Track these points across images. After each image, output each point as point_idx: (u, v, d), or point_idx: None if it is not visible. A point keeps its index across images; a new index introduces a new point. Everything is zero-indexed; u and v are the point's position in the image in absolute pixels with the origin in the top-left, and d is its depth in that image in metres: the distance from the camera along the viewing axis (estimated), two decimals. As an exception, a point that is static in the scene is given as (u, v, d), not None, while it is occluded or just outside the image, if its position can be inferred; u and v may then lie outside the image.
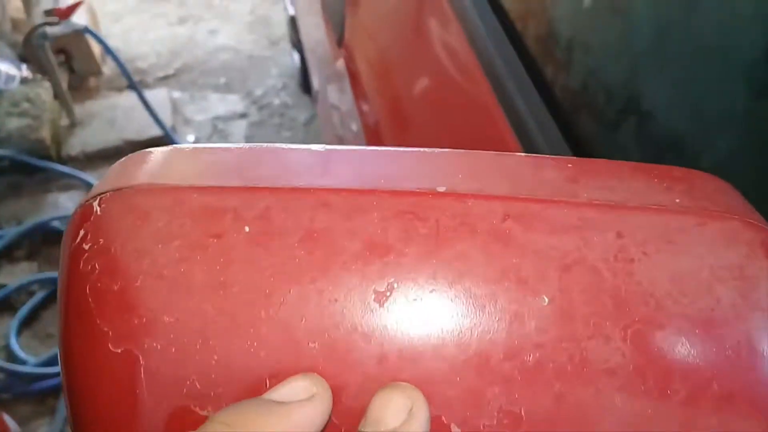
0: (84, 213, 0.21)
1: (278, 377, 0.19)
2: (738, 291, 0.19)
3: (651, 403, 0.19)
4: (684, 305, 0.19)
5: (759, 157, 0.47)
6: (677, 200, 0.21)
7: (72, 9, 2.20)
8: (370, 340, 0.19)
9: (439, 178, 0.21)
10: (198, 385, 0.19)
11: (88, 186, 2.17)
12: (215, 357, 0.19)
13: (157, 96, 2.46)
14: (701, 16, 0.63)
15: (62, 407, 1.58)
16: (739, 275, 0.19)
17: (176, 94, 2.58)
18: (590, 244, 0.19)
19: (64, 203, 2.16)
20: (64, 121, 2.38)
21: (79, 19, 2.35)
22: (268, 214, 0.20)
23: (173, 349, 0.20)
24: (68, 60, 2.51)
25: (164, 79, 2.69)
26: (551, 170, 0.22)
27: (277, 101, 2.53)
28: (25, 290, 1.89)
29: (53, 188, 2.20)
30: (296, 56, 2.50)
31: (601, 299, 0.19)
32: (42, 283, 1.91)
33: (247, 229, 0.20)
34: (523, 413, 0.19)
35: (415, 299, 0.19)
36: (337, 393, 0.19)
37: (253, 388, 0.19)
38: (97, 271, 0.20)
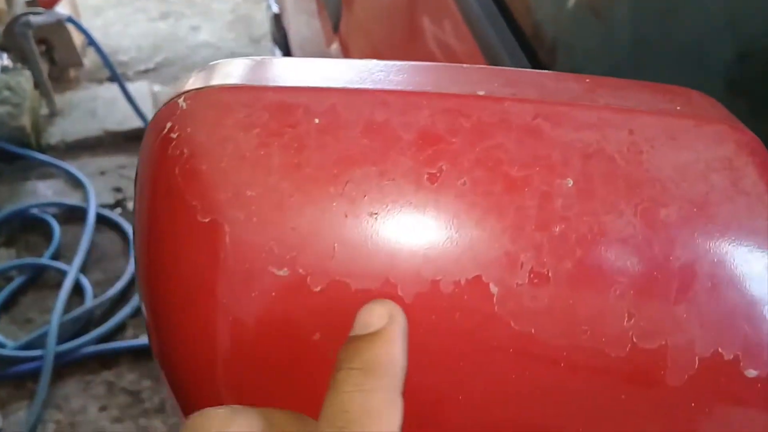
0: (170, 108, 0.25)
1: (345, 245, 0.23)
2: (728, 179, 0.23)
3: (655, 267, 0.22)
4: (684, 189, 0.23)
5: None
6: (678, 108, 0.25)
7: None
8: (423, 212, 0.23)
9: (479, 85, 0.25)
10: (276, 250, 0.23)
11: (67, 174, 2.18)
12: (291, 226, 0.23)
13: (138, 89, 2.47)
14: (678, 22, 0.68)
15: (41, 391, 1.58)
16: (728, 166, 0.23)
17: (157, 88, 2.59)
18: (607, 138, 0.23)
19: (43, 191, 2.16)
20: (44, 111, 2.38)
21: (62, 10, 2.36)
22: (334, 109, 0.24)
23: (255, 219, 0.23)
24: (49, 50, 2.50)
25: (145, 73, 2.70)
26: (573, 82, 0.26)
27: (258, 97, 2.56)
28: (3, 276, 1.89)
29: (32, 176, 2.20)
30: (278, 53, 2.53)
31: (615, 182, 0.23)
32: (20, 268, 1.91)
33: (316, 120, 0.24)
34: (550, 274, 0.22)
35: (460, 180, 0.23)
36: None
37: (323, 253, 0.23)
38: (185, 155, 0.24)
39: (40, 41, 2.44)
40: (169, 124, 0.24)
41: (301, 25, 1.61)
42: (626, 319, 0.22)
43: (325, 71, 0.26)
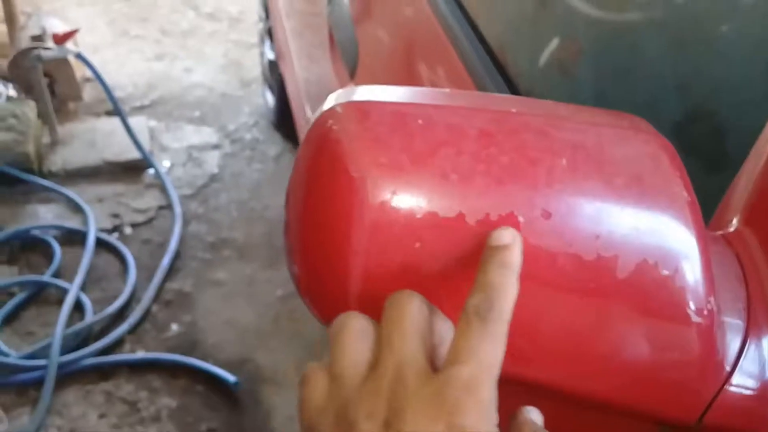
0: (329, 113, 0.41)
1: (440, 193, 0.39)
2: (653, 164, 0.40)
3: (612, 209, 0.40)
4: (630, 167, 0.40)
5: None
6: (625, 123, 0.42)
7: (69, 36, 2.37)
8: (487, 174, 0.40)
9: (512, 106, 0.42)
10: (398, 194, 0.39)
11: (68, 200, 2.31)
12: (409, 181, 0.40)
13: (136, 123, 2.61)
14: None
15: (45, 397, 1.69)
16: (654, 157, 0.41)
17: (153, 123, 2.74)
18: (585, 138, 0.41)
19: (44, 214, 2.29)
20: (46, 139, 2.51)
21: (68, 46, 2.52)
22: (429, 114, 0.41)
23: (386, 176, 0.39)
24: (51, 83, 2.64)
25: (141, 109, 2.85)
26: (565, 107, 0.43)
27: (248, 136, 2.73)
28: (5, 291, 2.00)
29: (33, 200, 2.33)
30: (270, 97, 2.71)
31: (590, 163, 0.40)
32: (22, 285, 2.03)
33: (420, 121, 0.40)
34: (552, 211, 0.39)
35: (505, 157, 0.40)
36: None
37: (429, 197, 0.39)
38: (342, 139, 0.40)
39: (44, 74, 2.59)
40: (330, 121, 0.41)
41: (302, 70, 1.79)
42: (595, 239, 0.40)
43: (417, 94, 0.43)
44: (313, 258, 0.41)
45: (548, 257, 0.40)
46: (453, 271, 0.40)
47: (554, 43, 0.98)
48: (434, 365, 0.36)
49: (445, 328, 0.39)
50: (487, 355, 0.34)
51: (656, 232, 0.40)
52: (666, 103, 0.82)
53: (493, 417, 0.33)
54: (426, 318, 0.37)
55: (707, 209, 0.51)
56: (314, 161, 0.41)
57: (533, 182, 0.40)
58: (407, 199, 0.39)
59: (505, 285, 0.36)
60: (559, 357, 0.42)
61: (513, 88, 0.90)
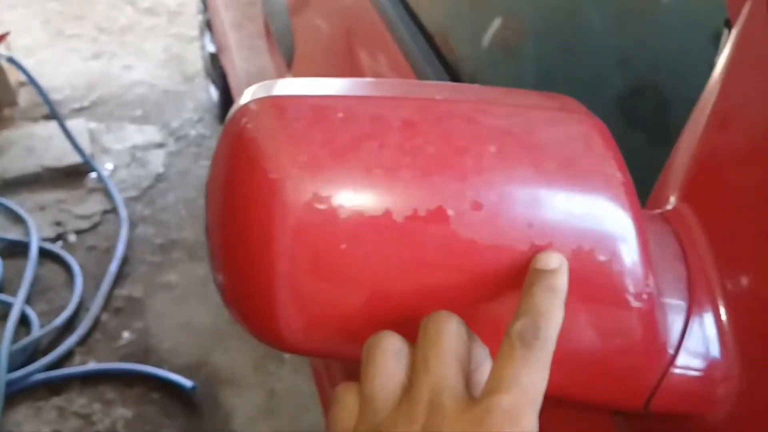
0: (242, 110, 0.39)
1: (361, 187, 0.37)
2: (585, 144, 0.39)
3: (544, 196, 0.38)
4: (559, 150, 0.38)
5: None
6: (554, 105, 0.40)
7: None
8: (408, 166, 0.38)
9: (437, 93, 0.40)
10: (319, 193, 0.37)
11: (7, 210, 2.23)
12: (328, 177, 0.37)
13: (75, 126, 2.54)
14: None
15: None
16: (585, 138, 0.39)
17: (93, 125, 2.67)
18: (513, 122, 0.39)
19: (-17, 226, 2.21)
20: (-19, 149, 2.42)
21: (-1, 50, 2.43)
22: (349, 106, 0.38)
23: (306, 174, 0.37)
24: (-17, 89, 2.56)
25: (80, 111, 2.77)
26: (492, 90, 0.42)
27: (193, 132, 2.67)
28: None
29: (-30, 213, 2.24)
30: (214, 91, 2.65)
31: (518, 148, 0.38)
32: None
33: (339, 115, 0.38)
34: (482, 202, 0.38)
35: (430, 147, 0.38)
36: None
37: (350, 193, 0.37)
38: (257, 138, 0.37)
39: (-25, 80, 2.50)
40: (244, 119, 0.38)
41: (244, 62, 1.75)
42: (528, 227, 0.38)
43: (338, 85, 0.41)
44: (236, 266, 0.39)
45: (481, 250, 0.38)
46: (382, 272, 0.38)
47: (496, 23, 0.97)
48: (470, 392, 0.34)
49: (481, 354, 0.38)
50: (531, 383, 0.33)
51: (590, 216, 0.38)
52: (609, 78, 0.82)
53: None
54: (464, 341, 0.36)
55: (652, 182, 0.50)
56: (230, 163, 0.39)
57: (461, 173, 0.38)
58: (330, 199, 0.37)
59: (552, 310, 0.35)
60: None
61: (453, 74, 0.88)
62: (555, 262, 0.37)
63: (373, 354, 0.36)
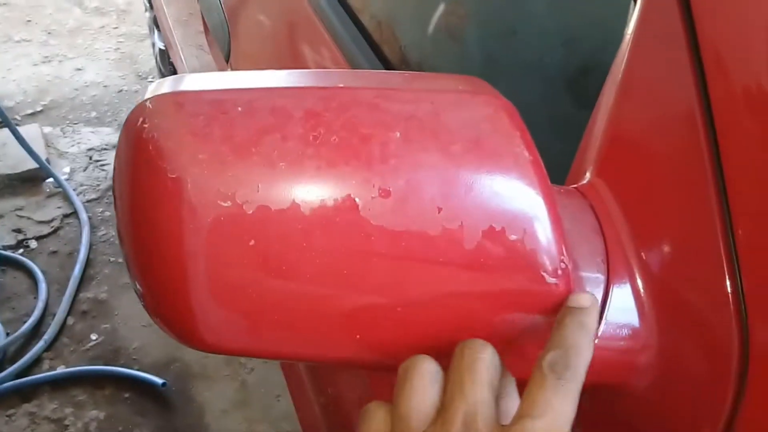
0: (139, 108, 0.38)
1: (266, 183, 0.37)
2: (491, 126, 0.39)
3: (452, 178, 0.38)
4: (465, 132, 0.38)
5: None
6: (460, 87, 0.40)
7: (-60, 47, 2.22)
8: (312, 159, 0.37)
9: (340, 81, 0.40)
10: (221, 190, 0.37)
11: (-35, 221, 2.19)
12: (231, 174, 0.37)
13: (28, 131, 2.49)
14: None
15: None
16: (491, 119, 0.39)
17: (47, 129, 2.62)
18: (419, 107, 0.38)
19: (-59, 239, 2.17)
20: (-66, 160, 2.37)
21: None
22: (250, 101, 0.38)
23: (206, 172, 0.36)
24: (-68, 100, 2.50)
25: (33, 116, 2.72)
26: (399, 76, 0.41)
27: (151, 131, 2.64)
28: None
29: (-73, 225, 2.20)
30: (167, 88, 2.61)
31: (424, 133, 0.38)
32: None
33: (239, 108, 0.38)
34: (390, 189, 0.37)
35: (333, 137, 0.38)
36: None
37: (252, 188, 0.37)
38: (155, 137, 0.37)
39: None
40: (141, 119, 0.38)
41: (191, 58, 1.73)
42: (438, 212, 0.38)
43: (238, 78, 0.40)
44: (151, 271, 0.38)
45: (393, 237, 0.38)
46: (294, 266, 0.38)
47: (440, 9, 0.97)
48: (499, 419, 0.36)
49: (509, 384, 0.39)
50: (562, 411, 0.34)
51: (500, 196, 0.38)
52: (556, 59, 0.82)
53: None
54: (498, 369, 0.37)
55: None
56: (130, 164, 0.38)
57: (367, 161, 0.37)
58: (234, 195, 0.37)
59: (583, 346, 0.37)
60: (424, 336, 0.41)
61: (389, 64, 0.88)
62: (587, 301, 0.39)
63: (409, 375, 0.37)
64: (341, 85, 0.39)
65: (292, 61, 1.01)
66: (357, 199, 0.37)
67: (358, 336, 0.40)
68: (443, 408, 0.36)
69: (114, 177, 0.39)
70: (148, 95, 0.39)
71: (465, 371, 0.36)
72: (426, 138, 0.38)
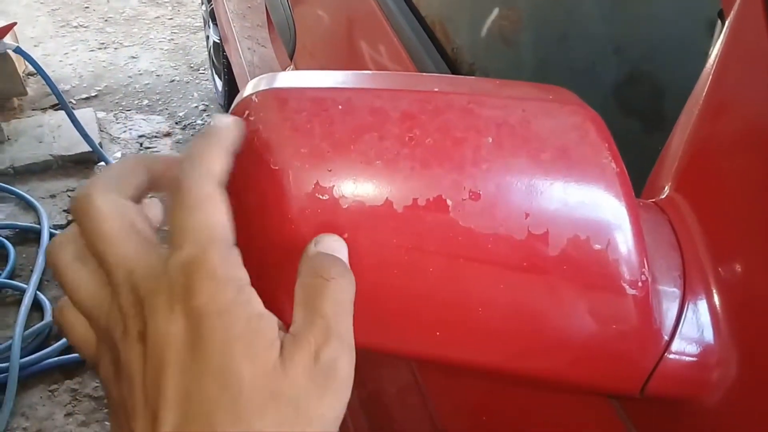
0: (245, 102, 0.40)
1: (361, 179, 0.38)
2: (579, 136, 0.40)
3: (540, 186, 0.39)
4: (554, 140, 0.39)
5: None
6: (550, 96, 0.41)
7: (6, 29, 2.29)
8: (408, 158, 0.39)
9: (434, 86, 0.41)
10: (321, 183, 0.38)
11: (18, 198, 2.25)
12: (328, 168, 0.38)
13: (83, 115, 2.55)
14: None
15: (8, 400, 1.66)
16: (579, 128, 0.40)
17: (101, 114, 2.69)
18: (509, 114, 0.40)
19: (-7, 214, 2.23)
20: (-8, 138, 2.44)
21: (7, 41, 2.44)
22: (350, 99, 0.39)
23: (306, 166, 0.38)
24: (-8, 80, 2.57)
25: (88, 100, 2.79)
26: (489, 82, 0.42)
27: (199, 122, 2.68)
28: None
29: (-18, 202, 2.27)
30: (218, 81, 2.66)
31: (515, 139, 0.39)
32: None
33: (340, 107, 0.39)
34: (481, 192, 0.39)
35: (428, 139, 0.39)
36: None
37: (349, 183, 0.38)
38: (260, 130, 0.39)
39: (-16, 71, 2.51)
40: (246, 112, 0.39)
41: (247, 52, 1.76)
42: (525, 217, 0.39)
43: (338, 77, 0.42)
44: (250, 260, 0.40)
45: (480, 239, 0.39)
46: (384, 261, 0.39)
47: (494, 13, 0.98)
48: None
49: (160, 210, 0.37)
50: (202, 229, 0.32)
51: (586, 205, 0.39)
52: (604, 66, 0.82)
53: (233, 279, 0.32)
54: (125, 211, 0.34)
55: (648, 168, 0.51)
56: (234, 155, 0.40)
57: (459, 163, 0.39)
58: (332, 189, 0.38)
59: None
60: (499, 338, 0.42)
61: (451, 64, 0.89)
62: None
63: (57, 269, 0.34)
64: (436, 89, 0.41)
65: (357, 59, 1.02)
66: (448, 200, 0.39)
67: (438, 333, 0.41)
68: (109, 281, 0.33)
69: None
70: (253, 90, 0.41)
71: (91, 235, 0.33)
72: (517, 144, 0.39)
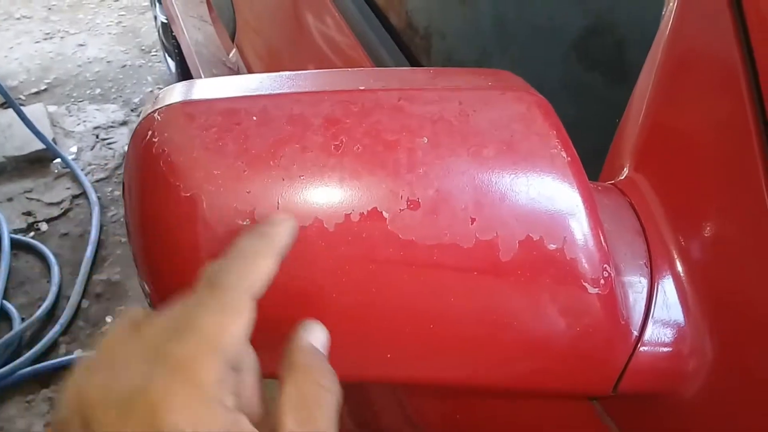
0: (148, 121, 0.35)
1: (285, 198, 0.34)
2: (525, 126, 0.36)
3: (485, 186, 0.35)
4: (497, 134, 0.36)
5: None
6: (489, 83, 0.37)
7: (-61, 30, 2.19)
8: (334, 170, 0.35)
9: (359, 83, 0.37)
10: (239, 208, 0.34)
11: (-26, 205, 2.18)
12: (247, 190, 0.34)
13: (34, 111, 2.47)
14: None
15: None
16: (525, 118, 0.36)
17: (52, 108, 2.60)
18: (445, 108, 0.36)
19: (-50, 224, 2.15)
20: (-60, 144, 2.35)
21: (-56, 40, 2.34)
22: (266, 108, 0.35)
23: (221, 189, 0.34)
24: (-66, 83, 2.47)
25: (37, 95, 2.69)
26: (421, 73, 0.38)
27: (156, 107, 2.60)
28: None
29: (-64, 209, 2.19)
30: (171, 62, 2.57)
31: (453, 136, 0.35)
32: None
33: (254, 118, 0.35)
34: (419, 200, 0.35)
35: (355, 146, 0.35)
36: None
37: (270, 206, 0.34)
38: (166, 152, 0.34)
39: (-76, 75, 2.41)
40: (150, 132, 0.35)
41: (193, 30, 1.69)
42: (470, 222, 0.35)
43: (252, 83, 0.37)
44: (162, 279, 0.36)
45: (423, 252, 0.35)
46: (319, 286, 0.35)
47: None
48: None
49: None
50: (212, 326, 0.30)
51: (537, 202, 0.36)
52: (565, 19, 0.79)
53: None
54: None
55: (612, 124, 0.47)
56: (141, 179, 0.36)
57: (393, 170, 0.35)
58: (253, 213, 0.34)
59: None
60: (458, 353, 0.39)
61: (396, 32, 0.85)
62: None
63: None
64: (361, 88, 0.36)
65: (298, 34, 0.97)
66: (384, 213, 0.35)
67: (389, 355, 0.38)
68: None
69: (124, 193, 0.37)
70: (157, 105, 0.36)
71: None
72: (455, 142, 0.35)
